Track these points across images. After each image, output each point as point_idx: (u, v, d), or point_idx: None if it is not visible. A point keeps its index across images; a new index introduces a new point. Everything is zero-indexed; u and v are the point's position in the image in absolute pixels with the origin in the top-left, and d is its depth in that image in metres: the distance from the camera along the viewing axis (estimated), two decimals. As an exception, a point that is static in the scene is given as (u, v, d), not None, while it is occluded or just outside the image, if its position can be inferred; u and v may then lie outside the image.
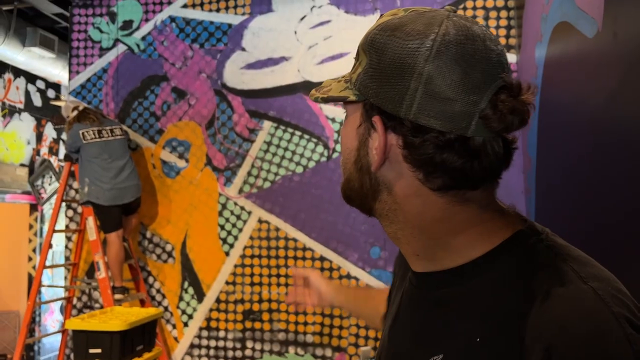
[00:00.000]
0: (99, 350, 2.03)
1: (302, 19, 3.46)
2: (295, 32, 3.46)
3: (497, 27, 3.18)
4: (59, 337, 5.46)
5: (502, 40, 3.16)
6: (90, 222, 3.29)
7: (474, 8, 3.20)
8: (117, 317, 2.23)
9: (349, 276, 3.26)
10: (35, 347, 5.46)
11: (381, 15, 0.59)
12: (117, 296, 3.18)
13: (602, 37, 1.60)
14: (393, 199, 0.59)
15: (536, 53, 2.55)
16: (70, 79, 3.85)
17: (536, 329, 0.48)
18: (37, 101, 5.65)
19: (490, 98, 0.52)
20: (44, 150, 5.77)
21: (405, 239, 0.61)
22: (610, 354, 0.44)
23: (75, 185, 3.71)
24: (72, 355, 3.21)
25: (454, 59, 0.52)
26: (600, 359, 0.44)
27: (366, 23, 3.34)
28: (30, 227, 5.67)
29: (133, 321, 2.16)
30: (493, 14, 3.18)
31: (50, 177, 5.74)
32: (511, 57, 3.13)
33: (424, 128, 0.53)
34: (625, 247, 1.26)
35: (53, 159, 5.86)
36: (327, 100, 0.62)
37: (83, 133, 3.32)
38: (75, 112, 3.40)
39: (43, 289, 3.74)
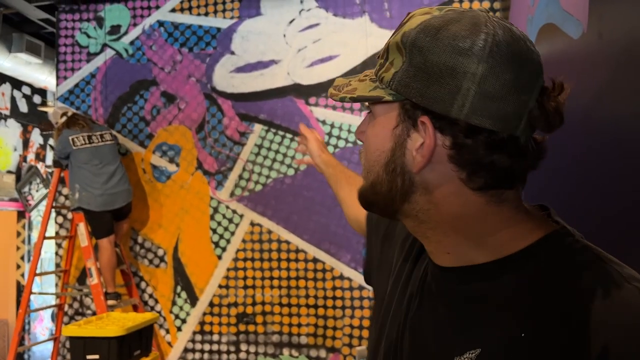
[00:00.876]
0: (96, 357, 2.02)
1: (290, 22, 3.48)
2: (284, 36, 3.48)
3: (484, 29, 3.23)
4: (49, 345, 5.42)
5: (489, 42, 3.21)
6: (82, 228, 3.27)
7: (461, 10, 3.25)
8: (113, 323, 2.23)
9: (342, 277, 3.28)
10: (25, 356, 5.40)
11: (410, 15, 0.58)
12: (110, 302, 3.17)
13: (588, 38, 1.64)
14: (428, 199, 0.58)
15: (523, 54, 2.59)
16: (57, 85, 3.82)
17: (591, 330, 0.48)
18: (23, 107, 5.59)
19: (536, 98, 0.53)
20: (31, 156, 5.71)
21: (436, 237, 0.60)
22: None
23: (65, 191, 3.68)
24: (65, 363, 3.20)
25: (506, 59, 0.52)
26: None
27: (354, 26, 3.38)
28: (18, 234, 5.61)
29: (130, 326, 2.15)
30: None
31: (38, 183, 5.68)
32: (498, 58, 3.18)
33: (476, 128, 0.53)
34: (618, 246, 1.29)
35: (40, 165, 5.80)
36: (356, 100, 0.60)
37: (73, 139, 3.30)
38: (64, 118, 3.38)
39: (32, 297, 3.70)
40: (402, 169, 0.58)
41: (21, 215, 5.60)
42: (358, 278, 3.26)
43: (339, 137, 3.36)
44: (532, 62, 0.54)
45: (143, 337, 2.34)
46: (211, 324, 3.46)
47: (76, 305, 3.65)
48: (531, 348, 0.51)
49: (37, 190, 5.66)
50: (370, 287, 3.23)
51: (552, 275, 0.53)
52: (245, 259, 3.44)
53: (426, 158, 0.55)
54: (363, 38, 3.36)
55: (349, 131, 3.35)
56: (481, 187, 0.55)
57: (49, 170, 5.83)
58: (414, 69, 0.55)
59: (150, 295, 3.57)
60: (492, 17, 0.55)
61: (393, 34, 0.59)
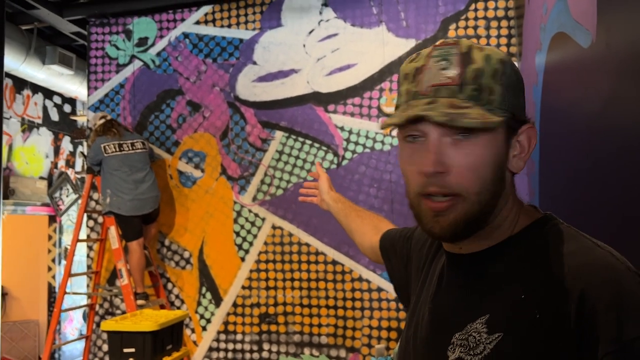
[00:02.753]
0: (132, 350, 2.16)
1: (310, 32, 3.61)
2: (304, 45, 3.61)
3: (499, 36, 3.30)
4: (77, 345, 5.63)
5: (503, 49, 3.28)
6: (113, 232, 3.43)
7: (476, 18, 3.33)
8: (147, 319, 2.37)
9: (360, 279, 3.38)
10: (56, 355, 5.60)
11: (457, 42, 0.70)
12: (140, 302, 3.32)
13: (596, 48, 1.71)
14: (509, 200, 0.71)
15: (536, 61, 2.66)
16: (88, 95, 4.01)
17: (571, 280, 0.60)
18: (54, 116, 5.83)
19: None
20: (62, 163, 5.94)
21: (485, 232, 0.70)
22: (626, 292, 0.57)
23: (96, 196, 3.86)
24: None
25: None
26: (619, 297, 0.56)
27: (372, 35, 3.48)
28: (50, 238, 5.84)
29: (163, 322, 2.29)
30: (494, 23, 3.31)
31: (68, 189, 5.91)
32: (513, 65, 3.25)
33: (526, 122, 0.70)
34: (624, 246, 1.36)
35: (70, 172, 6.03)
36: (484, 128, 0.65)
37: (104, 146, 3.47)
38: (102, 121, 3.56)
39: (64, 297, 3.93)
40: (503, 177, 0.68)
41: (52, 219, 5.83)
42: (376, 280, 3.36)
43: (356, 143, 3.46)
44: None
45: (174, 333, 2.47)
46: (235, 323, 3.59)
47: (106, 305, 3.82)
48: (531, 305, 0.61)
49: (67, 196, 5.88)
50: (387, 289, 3.29)
51: (545, 248, 0.65)
52: (267, 261, 3.56)
53: (525, 160, 0.70)
54: (380, 47, 3.46)
55: (367, 137, 3.45)
56: (517, 170, 0.70)
57: (79, 176, 6.05)
58: (506, 87, 0.67)
59: (177, 296, 3.72)
60: None
61: (465, 64, 0.67)
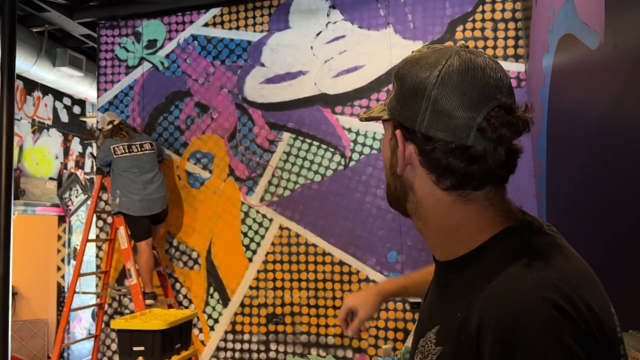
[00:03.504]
0: (142, 348, 2.19)
1: (317, 34, 3.63)
2: (312, 47, 3.63)
3: (506, 38, 3.31)
4: (86, 344, 5.67)
5: (510, 51, 3.28)
6: (122, 232, 3.47)
7: (483, 20, 3.34)
8: (157, 318, 2.39)
9: (367, 279, 3.39)
10: (65, 354, 5.65)
11: (412, 52, 0.76)
12: (148, 301, 3.35)
13: (604, 49, 1.72)
14: (416, 199, 0.73)
15: (544, 63, 2.66)
16: (98, 97, 4.06)
17: (480, 302, 0.60)
18: (64, 117, 5.89)
19: (485, 114, 0.65)
20: (71, 164, 6.00)
21: (427, 233, 0.75)
22: (520, 327, 0.55)
23: (105, 197, 3.90)
24: None
25: (455, 85, 0.66)
26: (510, 331, 0.55)
27: (379, 37, 3.50)
28: (59, 238, 5.89)
29: (172, 321, 2.31)
30: (501, 25, 3.31)
31: (77, 190, 5.96)
32: (519, 67, 3.25)
33: (433, 138, 0.67)
34: (632, 247, 1.37)
35: (79, 173, 6.09)
36: (368, 119, 0.78)
37: (114, 148, 3.51)
38: (110, 126, 3.59)
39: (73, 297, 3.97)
40: (397, 173, 0.73)
41: (62, 219, 5.88)
42: (382, 280, 3.36)
43: (364, 144, 3.48)
44: (486, 85, 0.66)
45: (183, 332, 2.50)
46: (242, 323, 3.61)
47: (115, 304, 3.85)
48: (460, 324, 0.62)
49: (76, 196, 5.94)
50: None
51: (488, 267, 0.64)
52: (274, 262, 3.58)
53: (401, 162, 0.71)
54: (387, 49, 3.48)
55: (374, 138, 3.46)
56: (448, 188, 0.69)
57: (88, 177, 6.11)
58: (398, 93, 0.72)
59: (185, 296, 3.74)
60: (463, 50, 0.69)
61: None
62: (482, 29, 3.34)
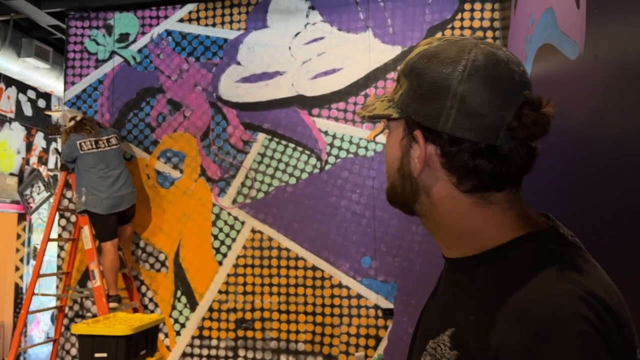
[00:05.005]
0: (104, 355, 2.07)
1: (296, 35, 3.57)
2: (290, 48, 3.57)
3: (484, 47, 3.32)
4: (44, 348, 5.43)
5: (489, 59, 3.30)
6: (86, 231, 3.32)
7: (462, 28, 3.35)
8: (121, 323, 2.28)
9: (340, 285, 3.34)
10: (21, 358, 5.40)
11: (417, 44, 0.70)
12: (112, 304, 3.21)
13: (584, 59, 1.72)
14: (430, 201, 0.68)
15: (521, 72, 2.67)
16: (65, 90, 3.89)
17: (505, 313, 0.56)
18: (28, 111, 5.66)
19: (515, 112, 0.61)
20: (34, 159, 5.76)
21: (439, 234, 0.71)
22: (556, 343, 0.52)
23: (69, 194, 3.74)
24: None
25: (483, 81, 0.61)
26: (546, 346, 0.52)
27: (358, 40, 3.47)
28: (18, 236, 5.64)
29: (138, 326, 2.20)
30: (480, 33, 3.33)
31: (39, 186, 5.72)
32: (497, 75, 3.27)
33: (459, 139, 0.62)
34: (611, 254, 1.36)
35: (42, 169, 5.85)
36: (373, 117, 0.71)
37: (80, 143, 3.36)
38: (73, 122, 3.44)
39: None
40: (409, 175, 0.69)
41: (22, 217, 5.64)
42: (356, 287, 3.32)
43: (340, 148, 3.44)
44: (512, 81, 0.62)
45: (149, 338, 2.38)
46: (210, 329, 3.51)
47: (76, 307, 3.69)
48: (477, 330, 0.59)
49: (38, 193, 5.70)
50: (367, 296, 3.27)
51: (509, 271, 0.61)
52: (245, 266, 3.49)
53: (422, 165, 0.66)
54: (366, 52, 3.45)
55: (351, 142, 3.42)
56: (470, 190, 0.65)
57: (51, 173, 5.87)
58: (412, 91, 0.66)
59: (151, 299, 3.61)
60: (481, 43, 0.65)
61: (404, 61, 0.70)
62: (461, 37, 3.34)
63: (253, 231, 3.51)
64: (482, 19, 3.33)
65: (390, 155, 0.72)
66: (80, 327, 2.21)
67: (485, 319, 0.58)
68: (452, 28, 3.36)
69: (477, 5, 3.34)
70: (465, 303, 0.64)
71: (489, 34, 3.32)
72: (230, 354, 3.46)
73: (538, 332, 0.53)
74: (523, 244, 0.63)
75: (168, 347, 3.55)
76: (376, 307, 3.27)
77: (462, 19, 3.35)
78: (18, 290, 5.58)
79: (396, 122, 0.70)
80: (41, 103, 5.87)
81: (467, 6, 3.35)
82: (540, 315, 0.54)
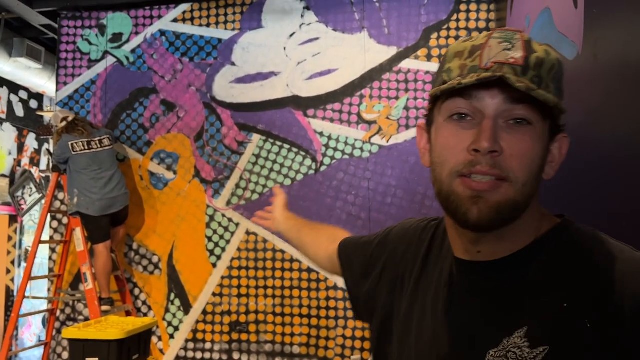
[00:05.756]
0: (96, 359, 2.03)
1: (291, 35, 3.55)
2: (285, 48, 3.55)
3: (480, 47, 3.30)
4: (35, 351, 5.36)
5: (485, 60, 3.28)
6: (78, 233, 3.28)
7: (457, 29, 3.34)
8: (113, 326, 2.24)
9: (335, 287, 3.31)
10: (12, 362, 5.33)
11: (530, 42, 0.63)
12: (104, 307, 3.16)
13: (582, 60, 1.71)
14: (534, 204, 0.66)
15: (518, 73, 2.66)
16: (57, 90, 3.85)
17: (626, 284, 0.57)
18: (20, 111, 5.59)
19: None
20: (25, 161, 5.69)
21: (510, 234, 0.65)
22: None
23: (61, 196, 3.69)
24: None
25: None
26: None
27: (353, 41, 3.45)
28: (9, 238, 5.57)
29: (130, 330, 2.17)
30: (475, 34, 3.30)
31: (31, 188, 5.66)
32: (493, 76, 3.26)
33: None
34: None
35: (34, 170, 5.79)
36: (555, 102, 0.61)
37: (72, 144, 3.32)
38: (64, 123, 3.40)
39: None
40: (540, 177, 0.65)
41: (13, 219, 5.57)
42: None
43: (335, 149, 3.41)
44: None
45: (142, 342, 2.34)
46: (204, 332, 3.47)
47: (68, 310, 3.64)
48: (577, 313, 0.58)
49: (30, 195, 5.63)
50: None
51: (574, 253, 0.62)
52: (240, 268, 3.46)
53: (556, 169, 0.67)
54: (361, 53, 3.43)
55: (346, 143, 3.40)
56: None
57: (43, 175, 5.80)
58: (558, 91, 0.62)
59: (144, 302, 3.57)
60: None
61: (529, 54, 0.61)
62: (457, 37, 3.34)
63: (247, 233, 3.47)
64: (477, 19, 3.32)
65: (534, 156, 0.62)
66: (71, 331, 2.17)
67: (589, 299, 0.58)
68: (448, 29, 3.35)
69: (473, 6, 3.32)
70: (537, 299, 0.61)
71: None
72: (224, 357, 3.42)
73: None
74: (565, 229, 0.66)
75: (161, 351, 3.51)
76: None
77: (457, 20, 3.34)
78: (9, 293, 5.51)
79: (543, 121, 0.62)
80: (33, 104, 5.81)
81: (462, 7, 3.33)
82: None
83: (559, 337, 0.58)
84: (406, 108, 3.35)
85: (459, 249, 0.70)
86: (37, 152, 5.90)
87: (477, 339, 0.64)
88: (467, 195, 0.61)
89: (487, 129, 0.59)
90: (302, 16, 3.54)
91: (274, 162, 3.48)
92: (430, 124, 0.69)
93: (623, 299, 0.56)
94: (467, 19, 3.33)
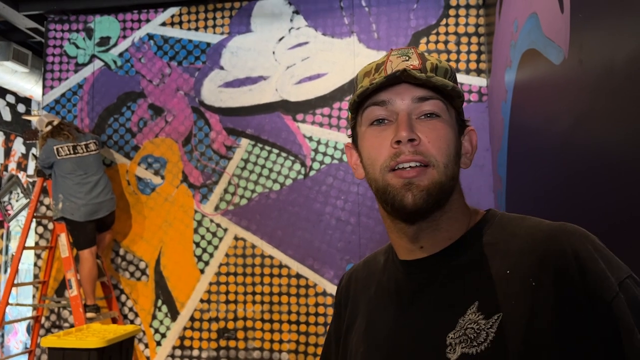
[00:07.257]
0: (75, 368, 1.99)
1: (280, 39, 3.53)
2: (274, 53, 3.53)
3: (468, 52, 3.31)
4: (22, 358, 5.27)
5: (473, 65, 3.29)
6: (63, 239, 3.23)
7: (447, 33, 3.34)
8: (94, 334, 2.19)
9: (324, 293, 3.28)
10: (-3, 370, 5.24)
11: (424, 53, 0.75)
12: (89, 315, 3.11)
13: (568, 64, 1.70)
14: (458, 189, 0.73)
15: (506, 78, 2.66)
16: (44, 94, 3.80)
17: (558, 242, 0.62)
18: (7, 116, 5.53)
19: None
20: (12, 165, 5.62)
21: (445, 223, 0.72)
22: (598, 244, 0.62)
23: (47, 201, 3.64)
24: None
25: None
26: (598, 250, 0.61)
27: (343, 45, 3.44)
28: (-5, 244, 5.49)
29: (111, 338, 2.12)
30: (464, 39, 3.32)
31: (18, 193, 5.59)
32: (481, 81, 3.26)
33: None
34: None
35: (21, 175, 5.71)
36: (453, 88, 0.72)
37: (57, 149, 3.27)
38: (49, 127, 3.35)
39: (6, 309, 3.62)
40: (458, 162, 0.73)
41: (-1, 225, 5.49)
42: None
43: (324, 154, 3.39)
44: None
45: (123, 350, 2.30)
46: (191, 338, 3.42)
47: (53, 317, 3.58)
48: (520, 276, 0.63)
49: (17, 200, 5.56)
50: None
51: (507, 229, 0.69)
52: (228, 274, 3.42)
53: (472, 159, 0.75)
54: (351, 58, 3.42)
55: (335, 147, 3.38)
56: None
57: (30, 180, 5.73)
58: (455, 83, 0.74)
59: (131, 309, 3.52)
60: None
61: (423, 57, 0.74)
62: (446, 42, 3.33)
63: (236, 238, 3.44)
64: (466, 24, 3.32)
65: (448, 142, 0.70)
66: (51, 340, 2.12)
67: (527, 262, 0.63)
68: (437, 34, 3.34)
69: (462, 11, 3.33)
70: (479, 275, 0.66)
71: (474, 39, 3.30)
72: (212, 364, 3.38)
73: (587, 241, 0.62)
74: (495, 214, 0.73)
75: (148, 358, 3.46)
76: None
77: (447, 25, 3.34)
78: (-5, 300, 5.41)
79: (448, 110, 0.72)
80: (20, 108, 5.75)
81: (451, 12, 3.34)
82: (578, 231, 0.64)
83: (508, 301, 0.62)
84: (395, 113, 3.33)
85: (402, 251, 0.75)
86: (25, 156, 5.83)
87: (433, 329, 0.67)
88: (400, 184, 0.67)
89: (403, 121, 0.68)
90: (291, 20, 3.53)
91: (263, 166, 3.46)
92: (356, 140, 0.78)
93: (566, 259, 0.60)
94: (457, 24, 3.33)
